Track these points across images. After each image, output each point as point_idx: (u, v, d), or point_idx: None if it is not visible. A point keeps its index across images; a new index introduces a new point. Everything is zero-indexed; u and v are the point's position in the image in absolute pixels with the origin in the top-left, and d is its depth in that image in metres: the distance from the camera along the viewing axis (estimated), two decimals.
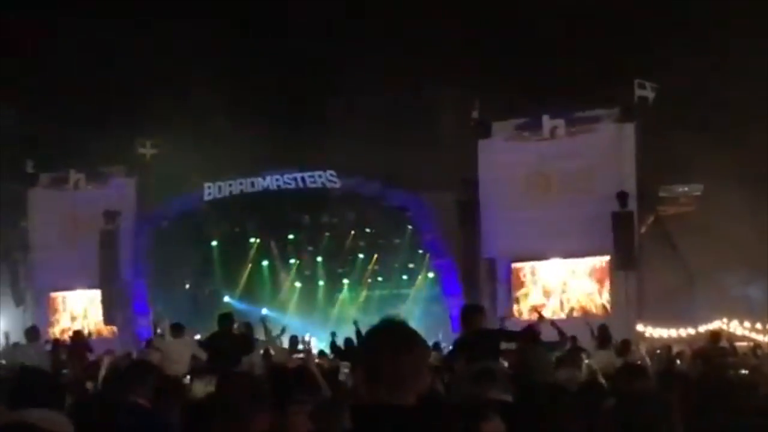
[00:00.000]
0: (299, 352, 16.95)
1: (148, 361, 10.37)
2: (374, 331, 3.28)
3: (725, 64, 25.05)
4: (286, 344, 16.36)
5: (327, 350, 19.41)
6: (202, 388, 9.34)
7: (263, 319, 16.62)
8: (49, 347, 18.50)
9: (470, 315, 10.77)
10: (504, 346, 10.38)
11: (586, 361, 15.33)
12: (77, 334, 19.93)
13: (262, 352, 15.23)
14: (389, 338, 3.19)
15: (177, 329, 14.90)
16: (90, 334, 22.64)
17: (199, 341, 13.80)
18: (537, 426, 7.24)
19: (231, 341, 12.07)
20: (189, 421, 5.29)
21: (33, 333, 16.73)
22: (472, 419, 4.31)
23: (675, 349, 20.37)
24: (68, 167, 29.71)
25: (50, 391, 4.53)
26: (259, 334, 15.73)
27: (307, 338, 17.24)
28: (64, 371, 15.06)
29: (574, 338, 16.06)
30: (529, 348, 10.40)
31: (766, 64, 24.70)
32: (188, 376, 12.43)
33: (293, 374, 8.42)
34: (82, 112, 28.18)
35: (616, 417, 4.92)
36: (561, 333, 12.37)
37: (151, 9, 28.58)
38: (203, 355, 13.27)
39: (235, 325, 14.37)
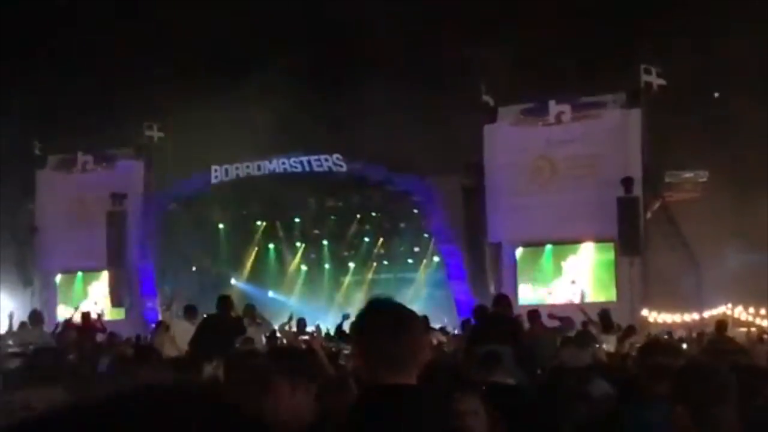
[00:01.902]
0: (307, 334, 17.06)
1: (152, 346, 10.43)
2: (369, 312, 3.19)
3: (732, 51, 25.02)
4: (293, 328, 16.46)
5: (332, 332, 19.48)
6: (210, 371, 9.40)
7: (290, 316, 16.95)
8: (59, 329, 18.55)
9: (496, 304, 11.05)
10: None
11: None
12: (86, 316, 19.97)
13: (267, 334, 15.33)
14: (387, 319, 3.11)
15: (191, 312, 14.83)
16: (99, 316, 22.56)
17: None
18: (539, 408, 7.37)
19: (226, 324, 12.05)
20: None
21: (36, 317, 16.69)
22: (448, 396, 4.36)
23: (677, 335, 20.49)
24: (76, 149, 29.83)
25: (54, 369, 4.61)
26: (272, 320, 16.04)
27: (316, 327, 17.39)
28: (70, 356, 15.05)
29: (585, 323, 16.10)
30: (536, 336, 10.64)
31: None
32: None
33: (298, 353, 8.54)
34: (91, 94, 28.27)
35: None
36: (561, 319, 12.56)
37: None
38: None
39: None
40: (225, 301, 12.37)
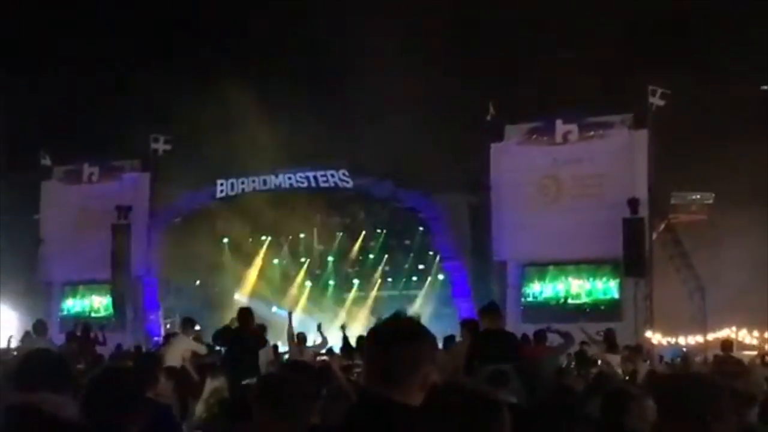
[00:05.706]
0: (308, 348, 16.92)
1: (157, 355, 10.37)
2: (379, 324, 3.20)
3: (739, 73, 25.02)
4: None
5: (336, 348, 19.27)
6: (212, 386, 9.32)
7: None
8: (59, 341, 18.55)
9: (490, 313, 10.79)
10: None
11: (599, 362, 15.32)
12: (86, 327, 19.93)
13: (271, 346, 15.29)
14: (390, 331, 3.06)
15: (188, 324, 14.65)
16: (102, 327, 22.46)
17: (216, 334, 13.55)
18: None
19: (252, 336, 12.06)
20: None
21: (41, 327, 16.65)
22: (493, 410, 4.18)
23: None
24: (82, 161, 29.84)
25: (58, 374, 4.52)
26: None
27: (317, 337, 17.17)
28: (79, 366, 14.95)
29: (583, 343, 16.04)
30: (537, 361, 10.52)
31: None
32: None
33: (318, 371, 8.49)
34: (98, 105, 28.33)
35: None
36: (564, 335, 12.49)
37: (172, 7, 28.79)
38: (202, 350, 13.30)
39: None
40: (246, 314, 12.31)
